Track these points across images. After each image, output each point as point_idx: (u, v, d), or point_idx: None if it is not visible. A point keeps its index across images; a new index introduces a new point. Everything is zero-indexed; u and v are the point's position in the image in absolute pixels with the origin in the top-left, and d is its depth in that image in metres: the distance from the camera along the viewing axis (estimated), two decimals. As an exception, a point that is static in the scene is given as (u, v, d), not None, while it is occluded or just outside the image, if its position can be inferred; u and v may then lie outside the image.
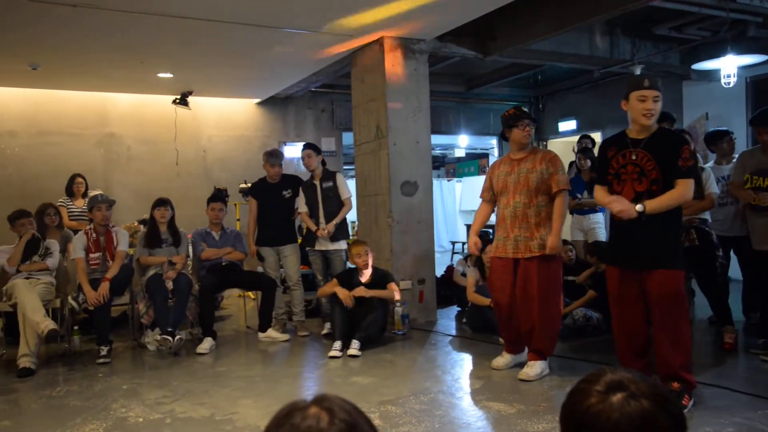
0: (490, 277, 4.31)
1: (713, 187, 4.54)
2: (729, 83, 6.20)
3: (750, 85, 7.33)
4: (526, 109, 4.14)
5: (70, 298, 4.92)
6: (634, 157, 3.29)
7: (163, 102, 8.02)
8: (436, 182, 13.59)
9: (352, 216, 5.85)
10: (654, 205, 3.18)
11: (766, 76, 7.13)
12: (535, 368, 3.93)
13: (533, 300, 3.92)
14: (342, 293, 4.91)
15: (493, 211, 4.32)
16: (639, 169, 3.26)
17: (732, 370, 4.07)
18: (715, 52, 6.46)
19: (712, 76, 7.11)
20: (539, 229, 3.90)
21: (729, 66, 6.17)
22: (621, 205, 3.24)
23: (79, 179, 6.57)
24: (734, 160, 5.05)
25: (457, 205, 15.82)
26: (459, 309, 6.32)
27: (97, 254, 5.04)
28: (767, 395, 3.47)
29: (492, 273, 4.23)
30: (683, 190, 3.18)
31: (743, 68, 6.58)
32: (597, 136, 8.34)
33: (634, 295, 3.36)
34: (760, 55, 6.39)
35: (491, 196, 4.23)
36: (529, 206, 3.92)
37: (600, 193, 3.49)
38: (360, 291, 4.98)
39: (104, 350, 4.79)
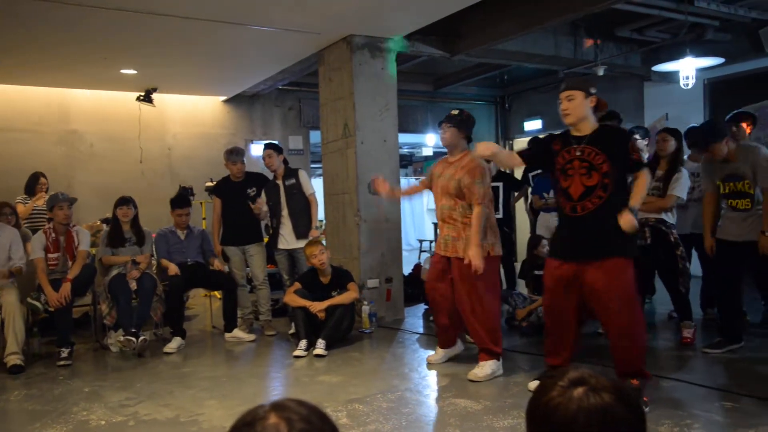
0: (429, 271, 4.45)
1: (679, 191, 4.45)
2: (687, 85, 6.36)
3: (707, 87, 7.52)
4: (456, 112, 4.21)
5: (30, 299, 4.80)
6: (579, 153, 3.38)
7: (127, 99, 7.86)
8: (403, 181, 13.63)
9: (319, 214, 5.83)
10: (637, 199, 3.35)
11: (722, 78, 7.33)
12: (485, 368, 3.94)
13: (467, 299, 3.98)
14: (313, 309, 4.85)
15: (420, 190, 4.70)
16: (587, 164, 3.34)
17: (690, 363, 4.18)
18: (675, 55, 6.62)
19: (671, 77, 7.29)
20: (466, 229, 3.98)
21: (687, 68, 6.33)
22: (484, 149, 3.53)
23: (43, 179, 6.42)
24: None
25: (424, 203, 15.89)
26: (426, 307, 6.36)
27: (56, 254, 4.93)
28: (724, 388, 3.59)
29: (430, 267, 4.37)
30: (647, 178, 3.39)
31: (701, 70, 6.75)
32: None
33: (573, 288, 3.40)
34: (717, 58, 6.57)
35: (427, 185, 4.40)
36: (453, 209, 4.04)
37: (512, 156, 3.80)
38: (325, 304, 4.89)
39: (65, 352, 4.69)
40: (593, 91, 3.40)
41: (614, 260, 3.29)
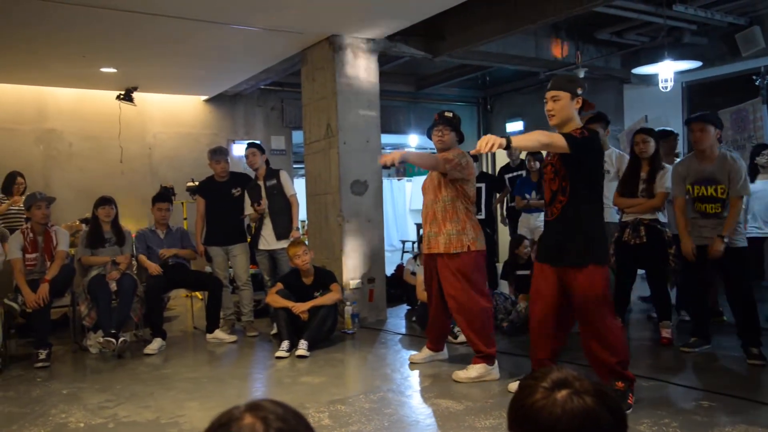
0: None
1: (666, 186, 4.46)
2: (666, 87, 6.44)
3: (686, 90, 7.63)
4: (450, 114, 4.17)
5: (7, 300, 4.72)
6: (550, 158, 3.41)
7: (107, 97, 7.77)
8: (386, 181, 13.63)
9: (301, 215, 5.82)
10: (519, 137, 3.17)
11: (700, 81, 7.44)
12: (470, 371, 3.91)
13: (450, 296, 4.00)
14: (296, 310, 4.83)
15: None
16: (553, 168, 3.34)
17: (669, 363, 4.23)
18: (654, 57, 6.71)
19: (650, 80, 7.38)
20: (446, 224, 3.98)
21: (666, 71, 6.41)
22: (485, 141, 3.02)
23: (20, 179, 6.32)
24: (676, 160, 5.21)
25: (407, 204, 15.92)
26: (408, 307, 6.37)
27: (34, 255, 4.87)
28: (702, 387, 3.64)
29: (423, 269, 4.39)
30: (551, 135, 3.12)
31: (679, 73, 6.85)
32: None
33: (551, 292, 3.38)
34: (695, 61, 6.67)
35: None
36: (435, 202, 4.05)
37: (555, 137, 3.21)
38: (308, 305, 4.87)
39: (43, 354, 4.62)
40: (580, 92, 3.30)
41: (579, 269, 3.23)
